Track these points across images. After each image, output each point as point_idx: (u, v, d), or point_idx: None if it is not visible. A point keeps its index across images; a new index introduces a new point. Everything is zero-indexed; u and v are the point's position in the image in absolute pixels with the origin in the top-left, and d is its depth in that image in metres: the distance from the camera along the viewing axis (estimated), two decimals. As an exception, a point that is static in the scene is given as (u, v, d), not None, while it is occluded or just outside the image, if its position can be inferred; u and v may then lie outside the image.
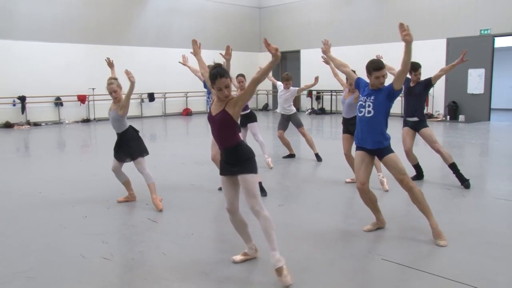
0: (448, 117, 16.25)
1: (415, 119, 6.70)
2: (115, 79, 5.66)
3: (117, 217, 5.36)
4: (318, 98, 20.21)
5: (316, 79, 8.85)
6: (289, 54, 21.90)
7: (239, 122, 3.86)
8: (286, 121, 9.20)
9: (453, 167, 6.54)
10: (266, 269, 3.71)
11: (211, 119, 3.76)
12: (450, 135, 12.40)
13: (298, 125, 9.21)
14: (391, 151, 4.47)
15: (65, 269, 3.83)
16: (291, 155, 9.34)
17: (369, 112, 4.44)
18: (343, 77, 7.03)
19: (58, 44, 16.11)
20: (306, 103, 20.72)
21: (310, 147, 9.14)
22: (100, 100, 16.55)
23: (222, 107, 3.66)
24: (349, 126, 6.67)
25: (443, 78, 12.45)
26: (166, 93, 18.93)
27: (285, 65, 22.55)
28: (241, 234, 3.97)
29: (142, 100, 18.41)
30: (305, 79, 20.64)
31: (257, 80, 3.60)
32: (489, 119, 15.89)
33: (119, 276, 3.75)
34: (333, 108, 19.64)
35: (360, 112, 4.54)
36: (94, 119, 17.17)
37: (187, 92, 19.54)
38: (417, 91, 6.65)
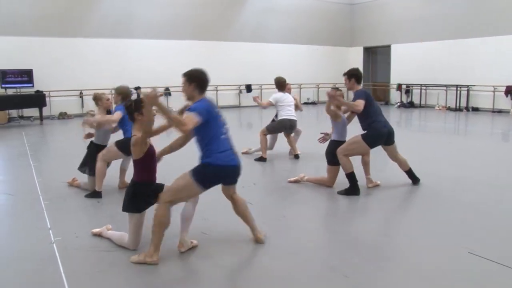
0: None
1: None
2: None
3: (216, 196, 5.53)
4: (407, 91, 19.42)
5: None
6: (380, 49, 21.25)
7: None
8: (290, 126, 7.83)
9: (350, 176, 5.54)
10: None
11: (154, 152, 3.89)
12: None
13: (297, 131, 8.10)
14: None
15: (171, 239, 3.97)
16: (263, 159, 7.72)
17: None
18: None
19: (168, 41, 16.91)
20: (395, 96, 20.01)
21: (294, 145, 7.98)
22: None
23: None
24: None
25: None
26: (262, 85, 19.19)
27: (376, 59, 21.91)
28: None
29: (240, 91, 18.81)
30: (395, 74, 19.98)
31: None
32: None
33: (213, 250, 3.89)
34: (422, 102, 18.80)
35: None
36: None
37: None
38: None
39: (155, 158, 3.90)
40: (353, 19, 22.02)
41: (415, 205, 5.29)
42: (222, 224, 4.54)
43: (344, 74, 5.82)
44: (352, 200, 5.35)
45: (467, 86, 17.06)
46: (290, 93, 8.10)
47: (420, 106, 18.78)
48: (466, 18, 17.10)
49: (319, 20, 21.00)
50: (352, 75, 5.72)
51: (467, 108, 17.03)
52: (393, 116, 15.82)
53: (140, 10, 16.48)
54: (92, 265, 3.57)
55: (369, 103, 5.61)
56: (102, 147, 5.71)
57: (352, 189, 5.55)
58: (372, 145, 5.75)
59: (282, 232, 4.34)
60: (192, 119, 3.46)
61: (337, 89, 5.77)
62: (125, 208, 3.81)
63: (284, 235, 4.26)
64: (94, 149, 5.70)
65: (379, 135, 5.72)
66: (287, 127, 7.85)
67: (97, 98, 5.73)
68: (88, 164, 5.68)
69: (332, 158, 5.72)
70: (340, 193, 5.57)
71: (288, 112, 7.82)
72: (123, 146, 5.41)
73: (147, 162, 3.78)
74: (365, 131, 5.74)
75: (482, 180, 6.25)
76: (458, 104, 17.27)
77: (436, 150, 8.91)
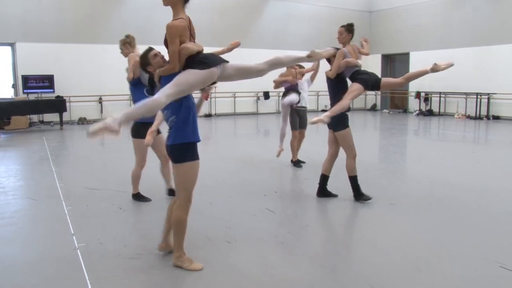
0: None
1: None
2: None
3: (238, 204, 5.51)
4: (426, 99, 19.20)
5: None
6: (398, 56, 21.10)
7: None
8: (299, 117, 7.72)
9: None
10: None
11: None
12: None
13: (305, 125, 7.77)
14: None
15: (193, 247, 3.94)
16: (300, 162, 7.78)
17: None
18: None
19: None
20: (414, 104, 19.80)
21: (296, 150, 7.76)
22: (221, 97, 17.26)
23: None
24: None
25: None
26: (280, 92, 19.10)
27: (394, 67, 21.75)
28: None
29: (258, 98, 18.79)
30: (414, 81, 19.51)
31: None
32: None
33: (240, 260, 3.83)
34: (442, 110, 18.57)
35: None
36: (215, 114, 17.88)
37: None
38: None
39: None
40: (371, 26, 21.90)
41: (441, 216, 5.17)
42: (245, 233, 4.48)
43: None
44: (376, 210, 5.26)
45: (488, 94, 16.81)
46: (301, 78, 7.88)
47: (439, 114, 18.56)
48: (486, 24, 16.90)
49: (338, 27, 20.82)
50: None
51: (487, 117, 16.78)
52: (411, 125, 15.67)
53: (161, 16, 16.50)
54: (118, 272, 3.54)
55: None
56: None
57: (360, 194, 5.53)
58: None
59: (308, 241, 4.27)
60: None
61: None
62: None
63: (310, 244, 4.19)
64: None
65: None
66: (295, 117, 7.66)
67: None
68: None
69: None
70: (359, 200, 5.52)
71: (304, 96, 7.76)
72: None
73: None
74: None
75: (509, 191, 6.10)
76: (478, 113, 17.02)
77: (459, 159, 8.76)
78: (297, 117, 7.67)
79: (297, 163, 7.69)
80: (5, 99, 13.50)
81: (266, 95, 18.67)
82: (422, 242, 4.24)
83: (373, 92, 21.77)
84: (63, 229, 4.58)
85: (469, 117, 17.35)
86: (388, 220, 4.94)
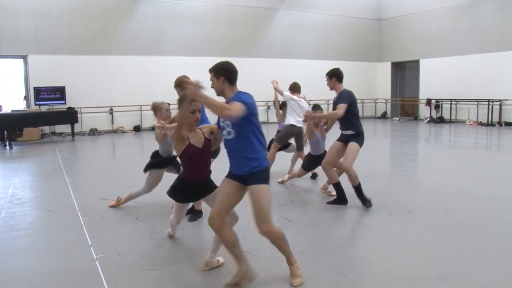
0: None
1: (350, 132, 5.75)
2: None
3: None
4: (437, 106, 19.08)
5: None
6: (408, 64, 21.05)
7: None
8: (294, 135, 7.37)
9: (357, 188, 5.64)
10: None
11: (199, 151, 3.76)
12: None
13: (301, 147, 7.43)
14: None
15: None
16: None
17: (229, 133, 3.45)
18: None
19: (198, 57, 16.99)
20: (425, 111, 19.70)
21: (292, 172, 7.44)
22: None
23: (203, 136, 3.79)
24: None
25: None
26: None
27: (404, 74, 21.69)
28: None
29: (268, 107, 18.78)
30: (424, 88, 19.71)
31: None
32: None
33: (258, 270, 3.78)
34: (453, 117, 18.45)
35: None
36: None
37: (310, 100, 19.59)
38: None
39: (196, 159, 3.78)
40: (381, 34, 21.90)
41: (459, 223, 5.09)
42: (264, 242, 4.42)
43: (326, 74, 5.95)
44: (393, 218, 5.20)
45: (500, 100, 16.68)
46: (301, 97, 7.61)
47: (450, 121, 18.44)
48: (497, 31, 16.83)
49: (347, 35, 20.96)
50: (332, 74, 5.84)
51: (499, 123, 16.64)
52: (423, 132, 15.57)
53: (170, 27, 16.72)
54: (137, 283, 3.51)
55: (354, 105, 5.72)
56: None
57: (342, 198, 5.81)
58: (361, 145, 5.80)
59: (327, 250, 4.23)
60: (239, 106, 3.18)
61: (317, 106, 6.48)
62: (169, 194, 4.04)
63: (330, 253, 4.14)
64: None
65: (363, 135, 5.79)
66: (294, 134, 7.36)
67: (155, 108, 5.25)
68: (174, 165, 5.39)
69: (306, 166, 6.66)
70: (330, 203, 5.87)
71: (297, 118, 7.29)
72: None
73: (185, 161, 3.83)
74: (352, 134, 5.71)
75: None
76: (490, 119, 16.88)
77: (473, 166, 8.66)
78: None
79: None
80: (17, 111, 13.61)
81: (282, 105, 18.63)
82: (443, 250, 4.17)
83: (383, 100, 21.73)
84: (80, 240, 4.57)
85: (480, 123, 17.22)
86: (406, 228, 4.87)
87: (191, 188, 3.88)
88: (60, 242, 4.59)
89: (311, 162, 6.68)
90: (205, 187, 3.92)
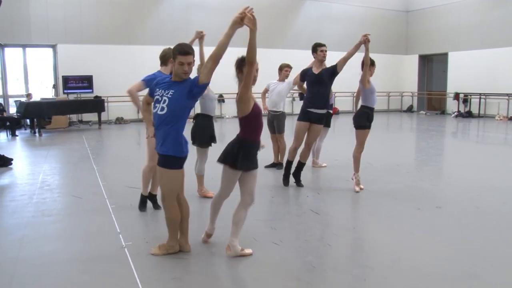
0: None
1: (323, 111, 5.78)
2: None
3: (282, 206, 5.46)
4: (465, 101, 18.68)
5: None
6: (436, 57, 20.65)
7: None
8: (271, 122, 7.42)
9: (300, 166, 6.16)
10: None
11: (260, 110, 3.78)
12: None
13: (280, 130, 7.36)
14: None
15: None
16: (275, 164, 7.55)
17: (162, 108, 3.56)
18: None
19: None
20: (452, 106, 19.32)
21: (276, 154, 7.50)
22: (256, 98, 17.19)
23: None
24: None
25: None
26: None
27: (432, 67, 21.29)
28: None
29: (293, 99, 18.68)
30: (452, 82, 19.29)
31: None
32: None
33: (286, 261, 3.78)
34: (481, 112, 18.05)
35: (155, 107, 3.67)
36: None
37: (335, 93, 19.43)
38: (325, 79, 5.92)
39: (260, 119, 3.77)
40: (408, 26, 21.51)
41: (489, 220, 4.97)
42: (291, 234, 4.42)
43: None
44: (423, 213, 5.12)
45: (531, 95, 16.26)
46: (284, 79, 7.51)
47: (479, 116, 18.05)
48: (530, 24, 16.36)
49: (374, 27, 20.54)
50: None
51: (531, 119, 16.23)
52: (450, 126, 15.28)
53: (197, 17, 16.71)
54: (166, 271, 3.54)
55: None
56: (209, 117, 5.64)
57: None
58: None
59: (354, 244, 4.19)
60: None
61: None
62: (222, 160, 3.72)
63: (356, 247, 4.10)
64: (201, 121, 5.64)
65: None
66: (269, 122, 7.29)
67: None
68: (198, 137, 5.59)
69: (359, 122, 5.92)
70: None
71: (271, 103, 7.24)
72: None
73: (252, 120, 3.69)
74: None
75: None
76: (521, 114, 16.48)
77: (504, 162, 8.46)
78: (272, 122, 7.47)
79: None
80: (47, 99, 13.86)
81: (302, 96, 18.51)
82: (473, 247, 4.09)
83: (409, 93, 21.40)
84: (109, 227, 4.63)
85: (511, 119, 16.81)
86: (435, 224, 4.79)
87: (254, 149, 3.75)
88: (89, 228, 4.66)
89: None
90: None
